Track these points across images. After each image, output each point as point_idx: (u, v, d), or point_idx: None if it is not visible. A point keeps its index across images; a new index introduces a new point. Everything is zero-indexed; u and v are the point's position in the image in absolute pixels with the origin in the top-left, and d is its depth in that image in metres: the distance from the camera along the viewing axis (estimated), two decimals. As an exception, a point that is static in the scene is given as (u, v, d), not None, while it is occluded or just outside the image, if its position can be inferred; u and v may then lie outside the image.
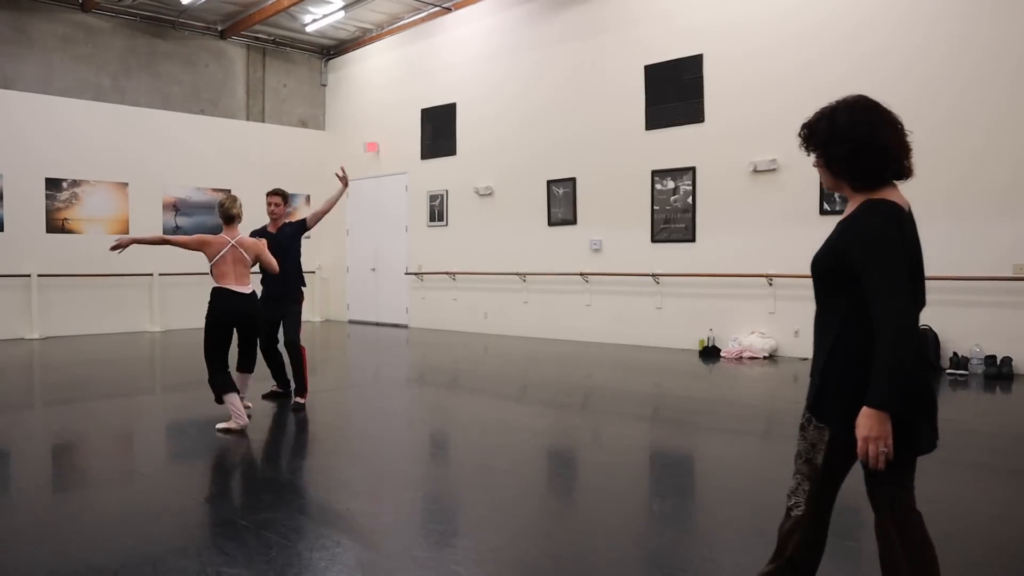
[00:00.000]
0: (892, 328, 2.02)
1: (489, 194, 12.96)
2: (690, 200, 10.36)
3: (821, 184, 2.39)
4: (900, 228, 2.12)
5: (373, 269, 15.18)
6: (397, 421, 6.50)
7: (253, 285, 6.04)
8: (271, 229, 6.79)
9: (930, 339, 8.20)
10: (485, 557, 3.30)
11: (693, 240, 10.34)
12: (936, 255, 8.22)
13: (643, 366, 9.11)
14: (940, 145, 8.25)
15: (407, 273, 14.38)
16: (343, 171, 7.16)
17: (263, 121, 15.35)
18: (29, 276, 12.40)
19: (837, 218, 2.32)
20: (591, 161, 11.47)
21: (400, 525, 3.78)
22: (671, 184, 10.56)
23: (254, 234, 6.58)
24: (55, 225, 12.74)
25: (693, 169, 10.32)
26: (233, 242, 5.85)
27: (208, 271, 5.90)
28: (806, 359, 7.76)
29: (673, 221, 10.56)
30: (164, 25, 13.94)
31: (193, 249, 5.88)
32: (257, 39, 15.07)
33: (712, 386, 8.02)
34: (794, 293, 9.16)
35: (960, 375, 7.91)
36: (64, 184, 12.82)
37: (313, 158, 15.98)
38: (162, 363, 10.34)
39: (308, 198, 15.91)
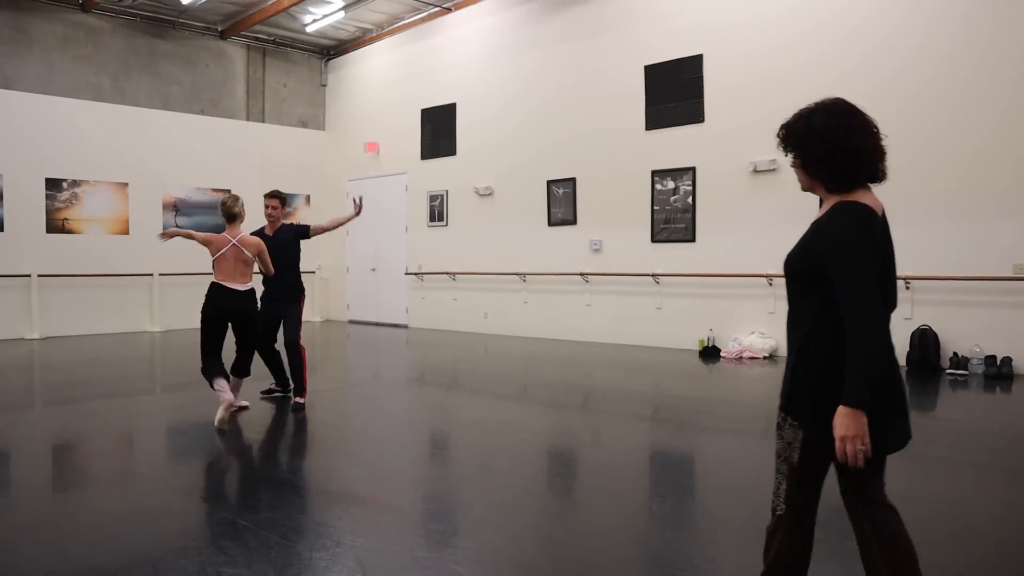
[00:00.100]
0: (863, 328, 2.06)
1: (489, 194, 12.96)
2: (690, 200, 10.36)
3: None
4: (871, 230, 2.16)
5: (373, 269, 15.18)
6: (397, 421, 6.50)
7: (255, 284, 6.15)
8: (268, 232, 6.76)
9: (930, 339, 8.21)
10: (485, 557, 3.30)
11: (693, 240, 10.34)
12: (936, 255, 8.30)
13: (643, 366, 9.11)
14: (940, 145, 8.26)
15: (407, 273, 14.38)
16: (359, 201, 7.11)
17: (263, 121, 15.35)
18: (29, 276, 12.40)
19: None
20: (591, 161, 11.47)
21: (400, 525, 3.78)
22: (671, 184, 10.56)
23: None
24: (55, 225, 12.75)
25: (693, 169, 10.32)
26: (234, 241, 6.01)
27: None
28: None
29: (673, 221, 10.56)
30: (164, 25, 13.95)
31: (203, 244, 6.14)
32: (257, 39, 15.07)
33: (712, 386, 8.02)
34: (794, 293, 9.13)
35: (960, 375, 7.92)
36: (64, 184, 12.82)
37: (313, 158, 15.99)
38: (162, 363, 10.34)
39: (308, 198, 15.93)
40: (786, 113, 2.39)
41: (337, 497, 4.23)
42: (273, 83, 15.55)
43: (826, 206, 2.29)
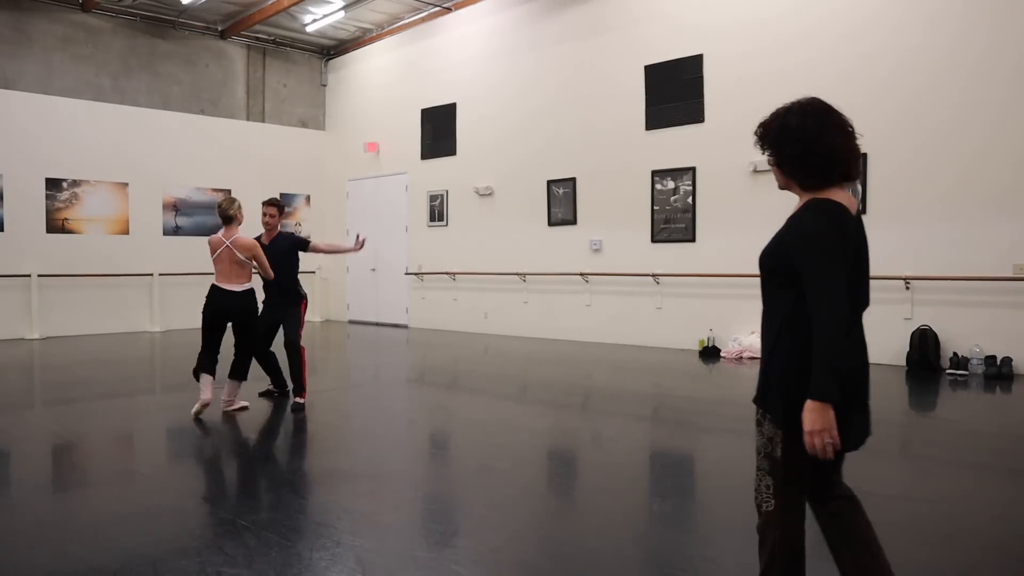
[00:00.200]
0: (829, 322, 2.08)
1: (489, 194, 12.96)
2: (690, 200, 10.36)
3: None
4: (842, 227, 2.18)
5: (373, 269, 15.18)
6: (397, 421, 6.50)
7: (256, 286, 6.26)
8: (264, 240, 6.71)
9: (930, 339, 8.21)
10: (485, 557, 3.30)
11: (693, 240, 10.34)
12: (936, 255, 8.30)
13: (643, 366, 9.11)
14: (940, 144, 8.26)
15: (407, 273, 14.39)
16: (362, 239, 7.08)
17: (263, 121, 15.35)
18: (29, 276, 12.40)
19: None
20: (591, 161, 11.47)
21: (400, 525, 3.78)
22: (671, 184, 10.56)
23: None
24: (55, 225, 12.75)
25: (693, 169, 10.32)
26: (228, 243, 6.12)
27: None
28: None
29: (673, 221, 10.56)
30: (164, 25, 13.95)
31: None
32: (257, 39, 15.07)
33: (712, 386, 8.02)
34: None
35: (960, 375, 7.92)
36: (64, 184, 12.82)
37: (313, 158, 16.00)
38: (162, 363, 10.34)
39: (308, 198, 15.93)
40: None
41: (337, 497, 4.23)
42: (273, 83, 15.55)
43: (800, 204, 2.32)
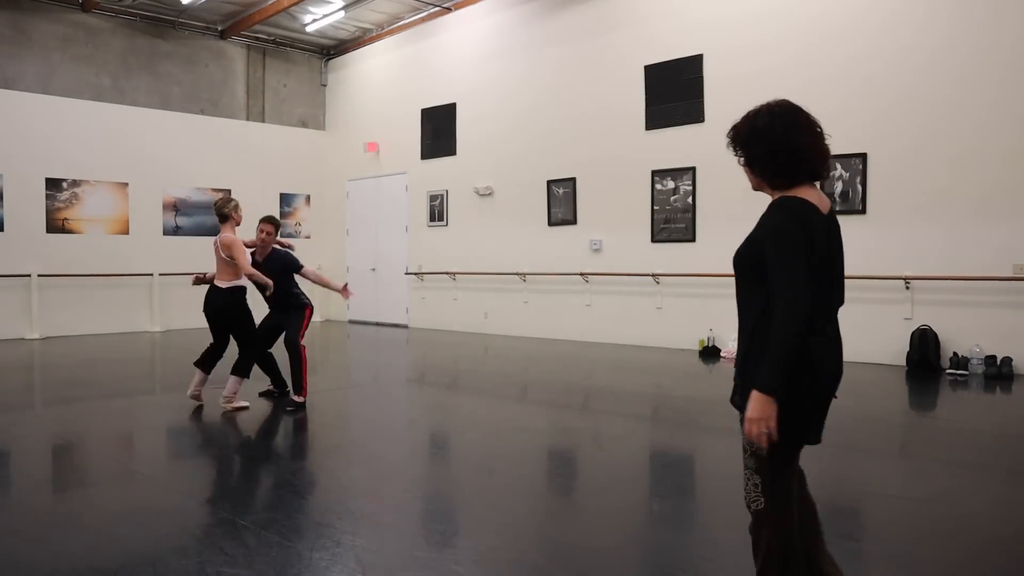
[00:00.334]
0: (785, 317, 2.11)
1: (489, 194, 12.96)
2: (690, 200, 10.36)
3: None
4: (805, 225, 2.19)
5: (373, 269, 15.18)
6: (397, 421, 6.50)
7: (245, 284, 6.46)
8: (259, 257, 6.65)
9: (930, 339, 8.21)
10: (485, 557, 3.30)
11: (693, 240, 10.34)
12: (936, 255, 8.30)
13: (643, 366, 9.11)
14: (939, 144, 8.25)
15: (407, 273, 14.39)
16: (349, 290, 7.04)
17: (263, 121, 15.35)
18: (29, 276, 12.40)
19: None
20: (591, 161, 11.47)
21: (400, 525, 3.78)
22: (671, 184, 10.56)
23: None
24: (55, 225, 12.75)
25: (693, 169, 10.32)
26: (215, 240, 6.42)
27: None
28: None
29: (673, 221, 10.56)
30: (164, 25, 13.94)
31: None
32: (257, 39, 15.07)
33: (712, 386, 8.02)
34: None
35: (960, 375, 7.92)
36: (64, 184, 12.82)
37: (313, 158, 16.00)
38: (162, 363, 10.34)
39: (308, 198, 15.94)
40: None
41: (337, 497, 4.23)
42: (273, 83, 15.55)
43: (770, 203, 2.35)
